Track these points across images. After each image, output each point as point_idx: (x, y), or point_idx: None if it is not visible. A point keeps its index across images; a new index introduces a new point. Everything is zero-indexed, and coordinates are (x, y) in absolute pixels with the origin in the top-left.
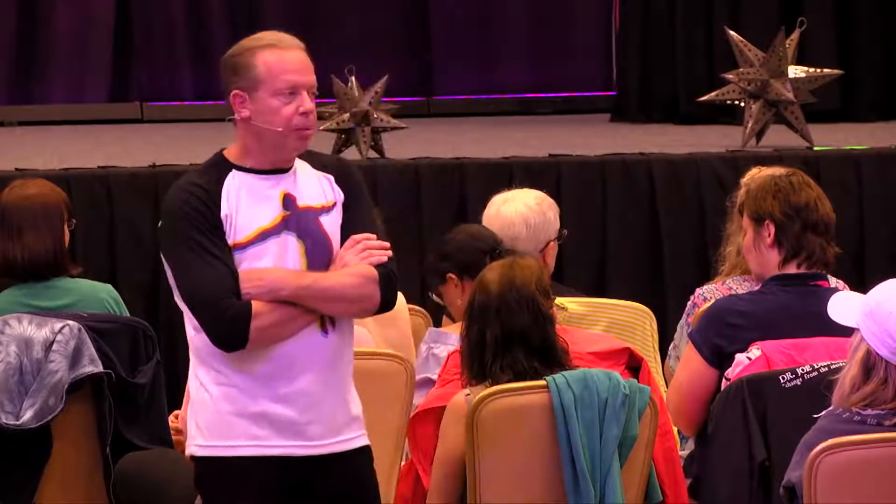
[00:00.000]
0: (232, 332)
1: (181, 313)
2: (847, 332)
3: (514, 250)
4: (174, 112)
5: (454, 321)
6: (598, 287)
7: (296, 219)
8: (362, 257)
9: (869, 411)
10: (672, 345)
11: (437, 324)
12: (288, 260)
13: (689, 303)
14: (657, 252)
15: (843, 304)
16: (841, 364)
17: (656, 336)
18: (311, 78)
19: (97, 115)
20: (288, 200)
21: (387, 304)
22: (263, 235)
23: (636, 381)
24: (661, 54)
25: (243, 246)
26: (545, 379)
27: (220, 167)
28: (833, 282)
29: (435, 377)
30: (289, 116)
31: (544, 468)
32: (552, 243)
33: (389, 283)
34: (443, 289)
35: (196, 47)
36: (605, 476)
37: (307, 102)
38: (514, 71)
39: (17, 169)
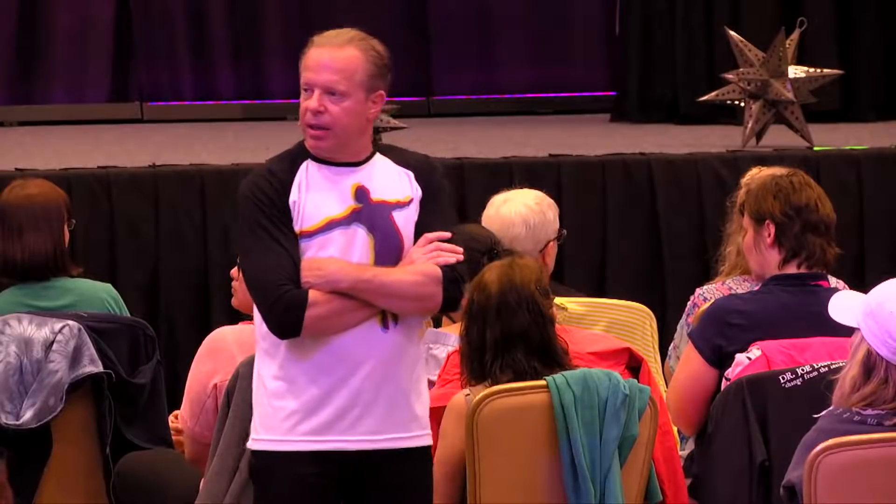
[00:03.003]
0: (286, 319)
1: (181, 313)
2: (847, 332)
3: (512, 250)
4: (174, 112)
5: (454, 321)
6: (598, 287)
7: (368, 212)
8: (430, 257)
9: (869, 411)
10: (672, 345)
11: (438, 324)
12: (354, 252)
13: (689, 303)
14: (657, 252)
15: (844, 304)
16: (841, 364)
17: (656, 336)
18: (325, 77)
19: (97, 115)
20: (361, 193)
21: (450, 305)
22: (331, 225)
23: (636, 381)
24: (661, 54)
25: (310, 234)
26: (545, 379)
27: (296, 156)
28: (833, 282)
29: (434, 378)
30: (302, 112)
31: (544, 468)
32: (552, 243)
33: (454, 283)
34: None
35: (196, 47)
36: (605, 476)
37: (313, 101)
38: (514, 71)
39: (17, 169)
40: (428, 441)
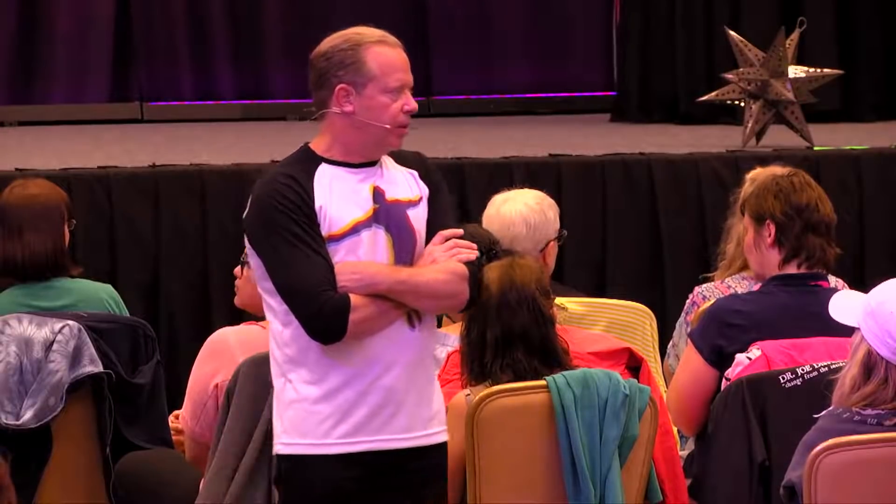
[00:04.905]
0: (330, 325)
1: (181, 313)
2: (847, 332)
3: (511, 250)
4: (174, 112)
5: (454, 321)
6: (598, 287)
7: (385, 212)
8: (452, 254)
9: (869, 411)
10: (671, 343)
11: (437, 324)
12: (378, 253)
13: (689, 301)
14: (657, 252)
15: (844, 304)
16: (841, 364)
17: (656, 336)
18: (411, 77)
19: (97, 115)
20: (377, 194)
21: (473, 302)
22: (357, 228)
23: (636, 381)
24: (661, 54)
25: (338, 238)
26: (545, 379)
27: (309, 160)
28: (833, 282)
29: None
30: (396, 113)
31: (544, 468)
32: (552, 243)
33: (476, 280)
34: None
35: (196, 47)
36: (605, 476)
37: (412, 101)
38: (514, 71)
39: (17, 169)
40: (446, 437)
